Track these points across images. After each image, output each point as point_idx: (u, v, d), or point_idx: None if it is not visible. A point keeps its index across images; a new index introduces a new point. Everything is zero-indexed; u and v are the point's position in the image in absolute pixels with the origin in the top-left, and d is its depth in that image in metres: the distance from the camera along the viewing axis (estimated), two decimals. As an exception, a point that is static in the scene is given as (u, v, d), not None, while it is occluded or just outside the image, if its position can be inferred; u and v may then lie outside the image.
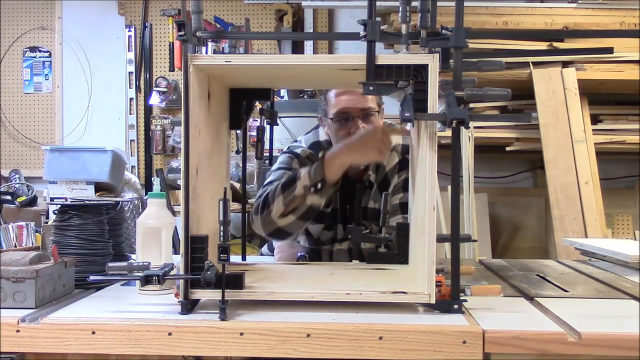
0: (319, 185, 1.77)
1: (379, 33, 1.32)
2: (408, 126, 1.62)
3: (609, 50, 1.54)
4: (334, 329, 1.23)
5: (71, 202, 1.72)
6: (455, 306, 1.33)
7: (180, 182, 1.39)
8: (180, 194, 1.38)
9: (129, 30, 4.77)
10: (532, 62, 3.62)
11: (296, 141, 2.22)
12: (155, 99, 4.71)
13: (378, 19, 1.35)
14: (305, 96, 4.44)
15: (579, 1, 3.72)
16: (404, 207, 1.97)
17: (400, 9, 1.35)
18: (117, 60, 4.79)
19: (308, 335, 1.23)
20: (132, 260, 1.50)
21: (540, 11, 3.74)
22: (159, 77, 4.72)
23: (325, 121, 2.05)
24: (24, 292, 1.34)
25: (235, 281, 1.34)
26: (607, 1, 3.69)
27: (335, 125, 2.00)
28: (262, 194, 1.90)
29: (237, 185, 3.61)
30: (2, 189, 3.82)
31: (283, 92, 4.33)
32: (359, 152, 1.81)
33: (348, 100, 1.96)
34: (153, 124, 4.74)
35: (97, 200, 1.89)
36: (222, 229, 1.27)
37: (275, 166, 2.06)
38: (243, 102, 1.72)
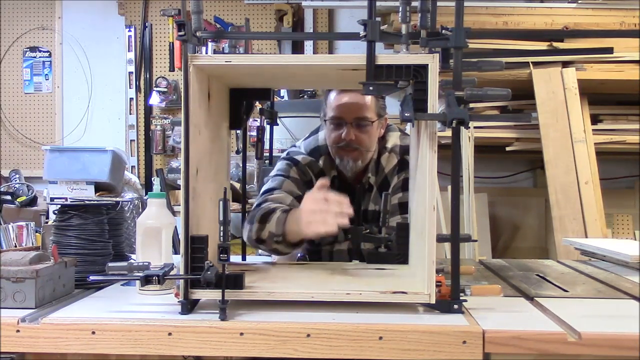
0: (280, 239, 1.74)
1: (379, 33, 1.32)
2: (408, 126, 1.62)
3: (609, 50, 1.54)
4: (334, 329, 1.23)
5: (71, 202, 1.72)
6: (455, 306, 1.33)
7: (180, 182, 1.39)
8: (180, 194, 1.38)
9: (129, 30, 4.77)
10: (532, 62, 3.62)
11: (294, 146, 2.17)
12: (155, 99, 4.71)
13: (378, 19, 1.35)
14: (305, 96, 4.45)
15: (579, 1, 3.72)
16: (403, 207, 1.97)
17: (400, 9, 1.35)
18: (117, 60, 4.80)
19: (308, 335, 1.23)
20: (132, 260, 1.50)
21: (540, 11, 3.73)
22: (159, 77, 4.73)
23: (323, 122, 2.05)
24: (24, 292, 1.34)
25: (235, 281, 1.34)
26: (607, 1, 3.69)
27: (330, 128, 2.00)
28: (258, 204, 1.88)
29: (237, 185, 3.61)
30: (2, 189, 3.82)
31: (283, 92, 4.33)
32: (317, 227, 1.61)
33: (344, 106, 1.95)
34: (153, 124, 4.74)
35: (97, 200, 1.89)
36: (222, 229, 1.27)
37: (273, 172, 2.05)
38: (243, 102, 1.72)
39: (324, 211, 1.59)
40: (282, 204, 1.88)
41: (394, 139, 2.09)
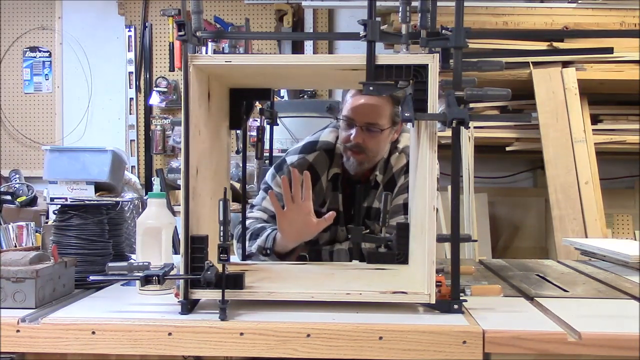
0: (268, 252, 1.90)
1: (379, 33, 1.32)
2: (408, 126, 1.62)
3: (609, 50, 1.54)
4: (334, 329, 1.23)
5: (71, 202, 1.72)
6: (455, 306, 1.33)
7: (180, 182, 1.39)
8: (180, 194, 1.38)
9: (129, 30, 4.77)
10: (532, 62, 3.63)
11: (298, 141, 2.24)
12: (155, 99, 4.71)
13: (378, 19, 1.35)
14: (305, 96, 4.45)
15: (579, 1, 3.72)
16: (407, 208, 1.97)
17: (400, 9, 1.35)
18: (117, 60, 4.80)
19: (308, 335, 1.23)
20: (132, 260, 1.50)
21: (540, 11, 3.74)
22: (159, 77, 4.73)
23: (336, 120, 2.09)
24: (24, 292, 1.34)
25: (235, 281, 1.34)
26: (607, 1, 3.69)
27: (342, 127, 2.01)
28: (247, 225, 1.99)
29: (237, 185, 3.61)
30: (2, 189, 3.82)
31: (283, 92, 4.34)
32: (298, 236, 1.84)
33: (358, 108, 1.94)
34: (153, 124, 4.74)
35: (97, 200, 1.88)
36: (222, 229, 1.27)
37: (262, 183, 2.13)
38: (243, 102, 1.72)
39: (298, 217, 1.77)
40: (260, 219, 2.03)
41: (406, 140, 2.09)
